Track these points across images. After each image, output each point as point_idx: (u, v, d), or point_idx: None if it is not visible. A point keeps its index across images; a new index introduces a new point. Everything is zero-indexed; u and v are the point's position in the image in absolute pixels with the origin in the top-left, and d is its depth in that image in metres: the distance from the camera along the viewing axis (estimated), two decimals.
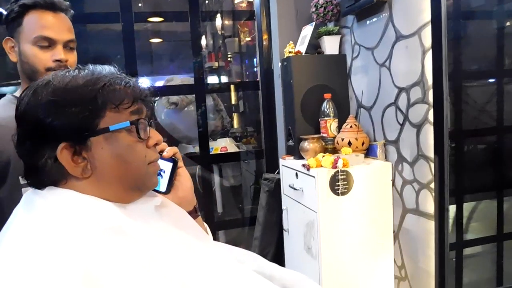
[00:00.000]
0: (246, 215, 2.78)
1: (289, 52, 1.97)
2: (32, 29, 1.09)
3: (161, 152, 0.84)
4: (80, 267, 0.56)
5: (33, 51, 1.09)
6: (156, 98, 2.76)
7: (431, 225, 1.48)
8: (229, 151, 2.76)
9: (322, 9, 1.96)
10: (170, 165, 0.84)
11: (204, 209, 2.50)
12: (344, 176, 1.64)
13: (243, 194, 3.07)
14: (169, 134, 3.04)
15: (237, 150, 2.82)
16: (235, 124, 3.90)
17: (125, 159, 0.67)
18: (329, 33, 1.98)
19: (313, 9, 1.99)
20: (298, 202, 1.86)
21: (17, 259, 0.57)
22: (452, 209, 1.70)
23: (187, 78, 2.86)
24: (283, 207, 2.08)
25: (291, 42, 2.00)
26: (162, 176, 0.84)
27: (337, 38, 2.00)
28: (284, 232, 2.12)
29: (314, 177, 1.66)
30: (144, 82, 0.75)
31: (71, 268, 0.56)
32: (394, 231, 1.73)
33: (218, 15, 3.98)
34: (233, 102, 3.82)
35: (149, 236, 0.67)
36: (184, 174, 0.86)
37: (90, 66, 0.70)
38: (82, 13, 2.23)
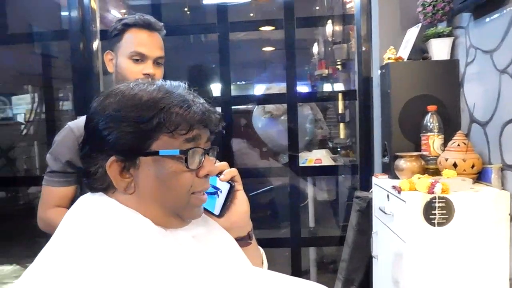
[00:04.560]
0: (338, 233, 2.59)
1: (388, 59, 1.76)
2: (129, 45, 1.24)
3: (220, 173, 0.80)
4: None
5: (127, 64, 1.24)
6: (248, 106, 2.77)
7: None
8: (323, 163, 2.61)
9: (431, 7, 1.70)
10: (227, 187, 0.80)
11: (293, 222, 2.40)
12: (443, 204, 1.38)
13: (337, 211, 2.88)
14: (266, 144, 3.03)
15: (332, 163, 2.65)
16: (341, 134, 3.72)
17: (167, 185, 0.67)
18: (439, 35, 1.71)
19: (420, 9, 1.74)
20: (388, 228, 1.64)
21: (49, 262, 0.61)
22: None
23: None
24: (373, 230, 1.86)
25: (391, 47, 1.79)
26: (218, 196, 0.81)
27: (448, 41, 1.71)
28: (373, 258, 1.89)
29: (405, 201, 1.43)
30: (213, 109, 0.70)
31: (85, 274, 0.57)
32: (510, 279, 1.39)
33: (329, 21, 3.86)
34: (339, 111, 3.65)
35: (178, 262, 0.63)
36: (240, 198, 0.82)
37: (160, 82, 0.70)
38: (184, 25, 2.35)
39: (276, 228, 3.39)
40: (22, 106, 4.12)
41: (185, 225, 0.72)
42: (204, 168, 0.69)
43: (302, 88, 4.74)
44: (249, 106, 3.12)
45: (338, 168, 2.65)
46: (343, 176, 2.76)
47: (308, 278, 2.64)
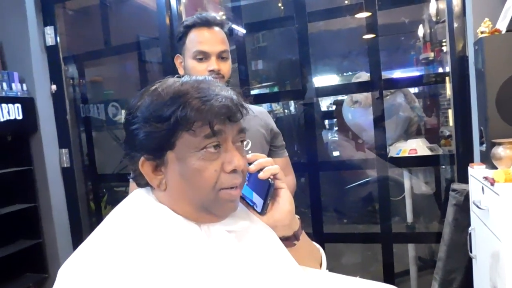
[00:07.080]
0: (435, 229, 2.36)
1: (482, 33, 1.54)
2: (192, 45, 1.28)
3: (260, 170, 0.80)
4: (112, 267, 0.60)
5: (193, 64, 1.28)
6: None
7: None
8: (418, 154, 2.41)
9: None
10: (266, 185, 0.79)
11: (383, 216, 2.27)
12: None
13: (436, 205, 2.63)
14: (357, 135, 2.91)
15: (428, 153, 2.42)
16: (450, 121, 3.40)
17: (191, 182, 0.67)
18: None
19: None
20: (484, 224, 1.45)
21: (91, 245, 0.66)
22: None
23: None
24: (471, 227, 1.66)
25: (486, 19, 1.57)
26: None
27: None
28: (472, 258, 1.70)
29: (498, 194, 1.26)
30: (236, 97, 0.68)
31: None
32: None
33: None
34: (447, 96, 3.34)
35: (210, 258, 0.65)
36: (283, 197, 0.80)
37: (185, 78, 0.71)
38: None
39: (373, 223, 3.25)
40: None
41: (221, 220, 0.71)
42: (230, 163, 0.67)
43: (408, 75, 4.42)
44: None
45: (434, 159, 2.41)
46: (443, 167, 2.51)
47: (408, 278, 2.47)
